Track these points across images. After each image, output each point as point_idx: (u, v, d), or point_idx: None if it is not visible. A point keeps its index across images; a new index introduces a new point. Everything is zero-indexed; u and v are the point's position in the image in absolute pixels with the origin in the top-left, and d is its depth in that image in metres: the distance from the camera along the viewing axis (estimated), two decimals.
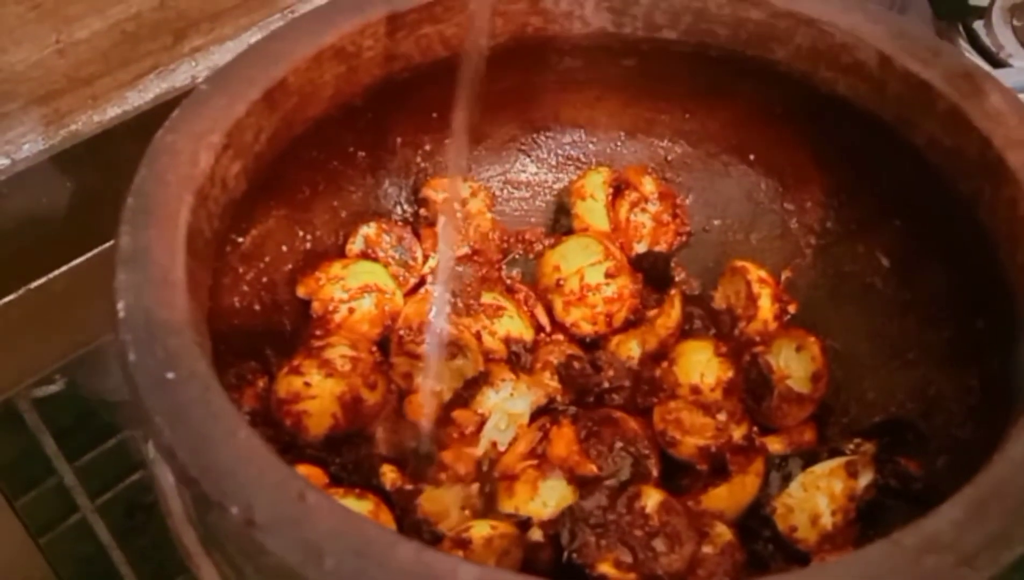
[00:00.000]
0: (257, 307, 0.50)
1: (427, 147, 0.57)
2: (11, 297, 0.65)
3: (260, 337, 0.50)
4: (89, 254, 0.67)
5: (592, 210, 0.56)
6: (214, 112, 0.42)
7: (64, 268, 0.67)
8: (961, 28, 0.84)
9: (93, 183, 0.67)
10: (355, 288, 0.51)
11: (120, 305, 0.35)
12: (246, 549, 0.30)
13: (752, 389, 0.51)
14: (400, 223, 0.55)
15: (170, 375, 0.33)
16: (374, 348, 0.51)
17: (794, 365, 0.50)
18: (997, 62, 0.80)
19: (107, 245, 0.67)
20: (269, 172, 0.46)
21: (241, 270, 0.49)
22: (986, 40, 0.83)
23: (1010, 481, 0.31)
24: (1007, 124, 0.43)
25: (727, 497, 0.45)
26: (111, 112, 0.69)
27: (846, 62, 0.48)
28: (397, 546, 0.29)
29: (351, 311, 0.51)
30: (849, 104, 0.49)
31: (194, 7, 0.69)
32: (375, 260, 0.53)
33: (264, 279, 0.51)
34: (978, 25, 0.84)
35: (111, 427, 0.64)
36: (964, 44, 0.83)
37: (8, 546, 0.62)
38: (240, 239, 0.48)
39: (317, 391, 0.46)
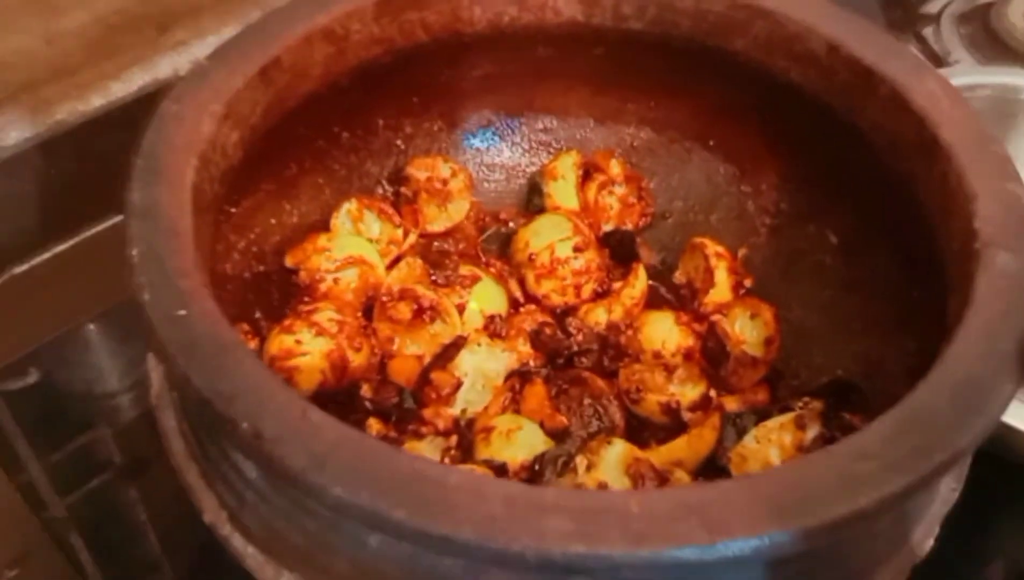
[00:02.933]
0: (247, 275, 0.53)
1: (407, 129, 0.60)
2: None
3: (251, 303, 0.53)
4: (72, 241, 0.70)
5: (562, 190, 0.60)
6: (215, 84, 0.45)
7: (47, 254, 0.69)
8: (912, 35, 0.87)
9: (76, 171, 0.69)
10: (341, 259, 0.54)
11: (134, 252, 0.38)
12: (255, 460, 0.34)
13: (711, 355, 0.55)
14: (381, 199, 0.59)
15: (182, 312, 0.36)
16: (359, 314, 0.54)
17: (748, 331, 0.54)
18: (945, 67, 0.82)
19: (88, 233, 0.71)
20: (262, 144, 0.49)
21: (232, 239, 0.52)
22: (935, 46, 0.86)
23: (929, 405, 0.35)
24: (940, 106, 0.47)
25: (686, 448, 0.49)
26: (95, 102, 0.70)
27: (798, 51, 0.52)
28: (394, 455, 0.32)
29: (336, 281, 0.54)
30: (801, 91, 0.53)
31: (176, 2, 0.71)
32: (359, 234, 0.57)
33: (254, 249, 0.54)
34: (928, 32, 0.88)
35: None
36: (914, 49, 0.85)
37: None
38: (232, 209, 0.51)
39: (308, 349, 0.49)
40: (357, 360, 0.51)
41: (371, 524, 0.32)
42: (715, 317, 0.55)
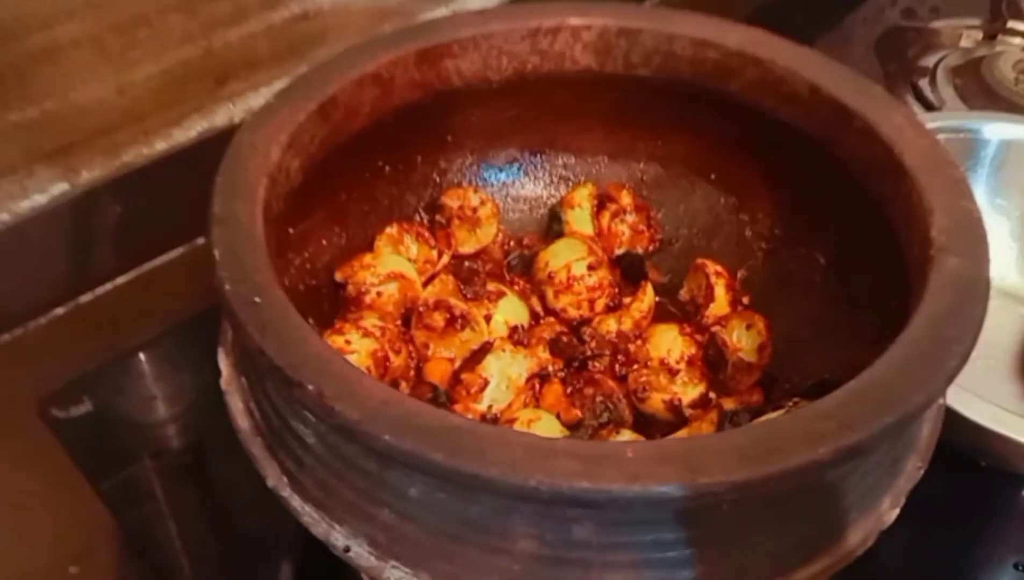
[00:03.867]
0: (301, 287, 0.60)
1: (442, 164, 0.67)
2: (61, 310, 0.71)
3: (304, 312, 0.59)
4: (132, 273, 0.75)
5: (579, 218, 0.67)
6: (281, 118, 0.53)
7: (109, 285, 0.74)
8: (909, 86, 0.94)
9: (141, 208, 0.74)
10: (383, 275, 0.61)
11: (216, 252, 0.45)
12: (318, 416, 0.41)
13: (711, 361, 0.61)
14: (419, 225, 0.66)
15: (257, 299, 0.43)
16: (399, 322, 0.61)
17: (744, 340, 0.60)
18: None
19: (152, 264, 0.78)
20: (318, 173, 0.56)
21: (291, 256, 0.59)
22: (930, 96, 0.92)
23: (882, 378, 0.42)
24: (906, 136, 0.54)
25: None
26: (159, 146, 0.74)
27: (784, 92, 0.59)
28: (432, 411, 0.39)
29: (379, 294, 0.61)
30: (788, 127, 0.60)
31: (234, 56, 0.76)
32: (400, 254, 0.64)
33: (307, 266, 0.61)
34: (923, 83, 0.94)
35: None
36: (911, 99, 0.92)
37: None
38: (291, 230, 0.58)
39: (356, 347, 0.56)
40: (396, 361, 0.58)
41: (414, 466, 0.39)
42: (715, 328, 0.62)
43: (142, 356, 0.73)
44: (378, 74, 0.58)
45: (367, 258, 0.62)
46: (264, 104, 0.54)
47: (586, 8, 0.62)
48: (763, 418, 0.55)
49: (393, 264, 0.62)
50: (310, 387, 0.40)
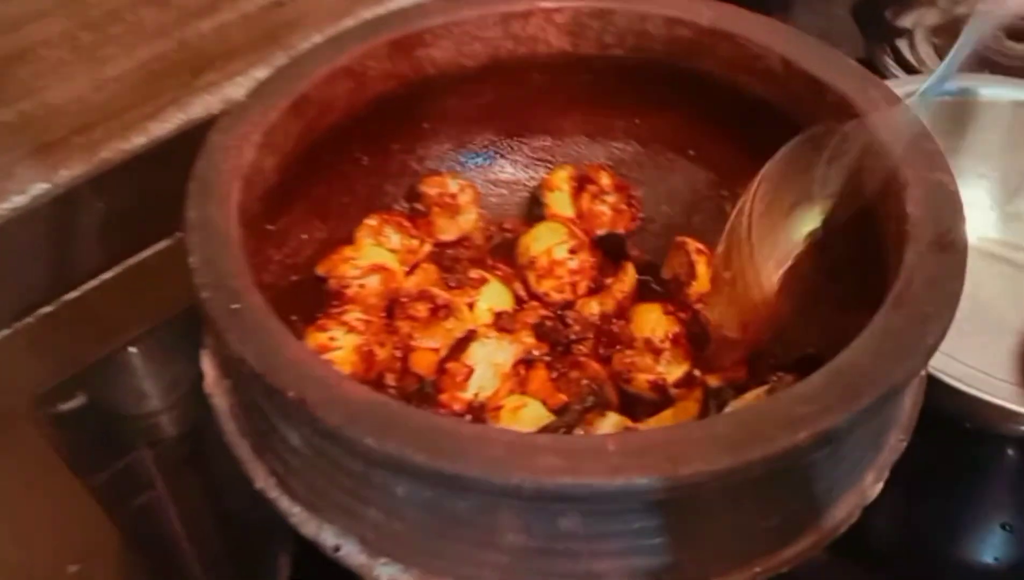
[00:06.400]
0: (283, 283, 0.60)
1: (419, 152, 0.67)
2: (47, 309, 0.72)
3: (287, 307, 0.60)
4: (117, 269, 0.76)
5: (559, 200, 0.67)
6: (254, 118, 0.53)
7: (95, 281, 0.75)
8: (887, 47, 0.93)
9: (123, 203, 0.74)
10: (365, 267, 0.61)
11: (192, 258, 0.45)
12: (300, 421, 0.41)
13: (695, 340, 0.62)
14: (399, 214, 0.66)
15: (235, 306, 0.43)
16: (382, 314, 0.61)
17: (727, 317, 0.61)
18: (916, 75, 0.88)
19: (134, 259, 0.78)
20: (295, 169, 0.56)
21: (271, 252, 0.59)
22: (910, 57, 0.92)
23: (858, 360, 0.42)
24: (880, 107, 0.54)
25: (671, 418, 0.56)
26: (137, 141, 0.75)
27: (759, 68, 0.59)
28: (414, 412, 0.40)
29: (361, 286, 0.61)
30: (764, 103, 0.60)
31: (209, 47, 0.76)
32: (381, 245, 0.64)
33: (289, 261, 0.61)
34: (902, 44, 0.94)
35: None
36: (890, 61, 0.92)
37: None
38: (270, 227, 0.58)
39: (340, 343, 0.56)
40: (382, 354, 0.58)
41: (397, 469, 0.40)
42: (698, 306, 0.62)
43: (133, 349, 0.72)
44: (350, 68, 0.57)
45: (347, 251, 0.62)
46: (235, 104, 0.54)
47: None
48: (747, 394, 0.56)
49: (374, 256, 0.62)
50: (291, 394, 0.40)
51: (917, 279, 0.46)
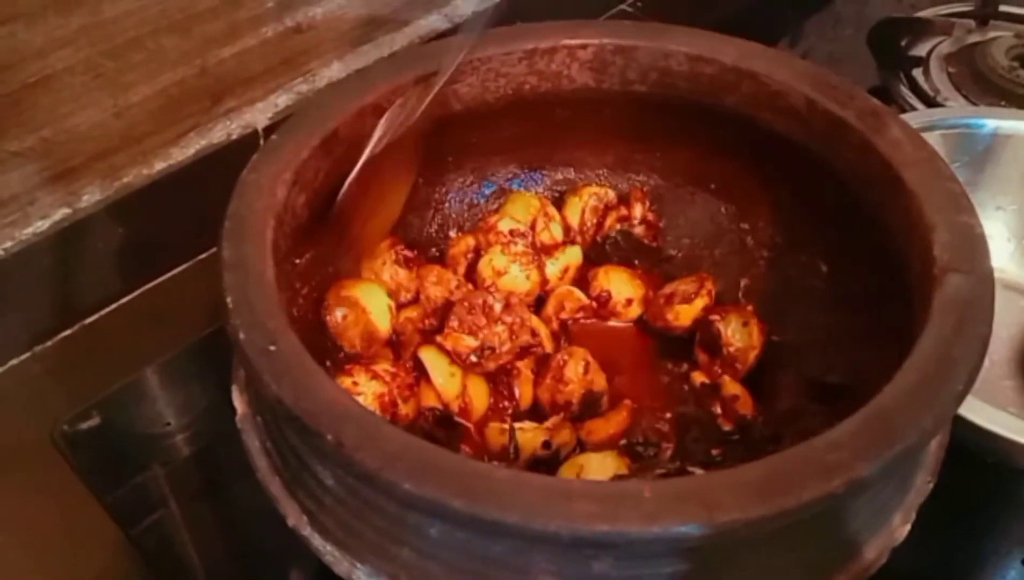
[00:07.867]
0: (310, 317, 0.61)
1: (444, 185, 0.68)
2: (67, 332, 0.73)
3: (316, 342, 0.61)
4: (137, 292, 0.76)
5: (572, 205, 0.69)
6: (285, 156, 0.53)
7: (114, 305, 0.75)
8: (902, 75, 0.94)
9: (143, 228, 0.75)
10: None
11: (228, 299, 0.46)
12: (338, 464, 0.41)
13: (706, 345, 0.63)
14: (400, 248, 0.66)
15: (272, 347, 0.44)
16: (410, 366, 0.61)
17: (738, 336, 0.62)
18: (934, 105, 0.89)
19: (153, 283, 0.78)
20: (324, 205, 0.57)
21: (298, 286, 0.60)
22: (924, 86, 0.92)
23: (890, 405, 0.42)
24: (903, 150, 0.54)
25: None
26: (158, 166, 0.76)
27: (781, 106, 0.60)
28: (450, 456, 0.40)
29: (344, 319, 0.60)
30: (785, 140, 0.60)
31: (229, 73, 0.77)
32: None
33: (315, 295, 0.61)
34: (917, 72, 0.94)
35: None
36: (905, 89, 0.92)
37: None
38: (298, 261, 0.59)
39: (363, 389, 0.56)
40: (404, 410, 0.58)
41: (433, 513, 0.40)
42: (713, 317, 0.63)
43: (148, 369, 0.73)
44: (378, 104, 0.58)
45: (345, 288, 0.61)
46: (266, 142, 0.54)
47: (581, 28, 0.63)
48: (778, 454, 0.56)
49: (362, 294, 0.61)
50: (329, 437, 0.40)
51: (945, 325, 0.46)
